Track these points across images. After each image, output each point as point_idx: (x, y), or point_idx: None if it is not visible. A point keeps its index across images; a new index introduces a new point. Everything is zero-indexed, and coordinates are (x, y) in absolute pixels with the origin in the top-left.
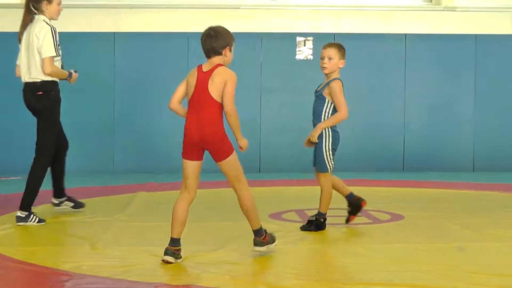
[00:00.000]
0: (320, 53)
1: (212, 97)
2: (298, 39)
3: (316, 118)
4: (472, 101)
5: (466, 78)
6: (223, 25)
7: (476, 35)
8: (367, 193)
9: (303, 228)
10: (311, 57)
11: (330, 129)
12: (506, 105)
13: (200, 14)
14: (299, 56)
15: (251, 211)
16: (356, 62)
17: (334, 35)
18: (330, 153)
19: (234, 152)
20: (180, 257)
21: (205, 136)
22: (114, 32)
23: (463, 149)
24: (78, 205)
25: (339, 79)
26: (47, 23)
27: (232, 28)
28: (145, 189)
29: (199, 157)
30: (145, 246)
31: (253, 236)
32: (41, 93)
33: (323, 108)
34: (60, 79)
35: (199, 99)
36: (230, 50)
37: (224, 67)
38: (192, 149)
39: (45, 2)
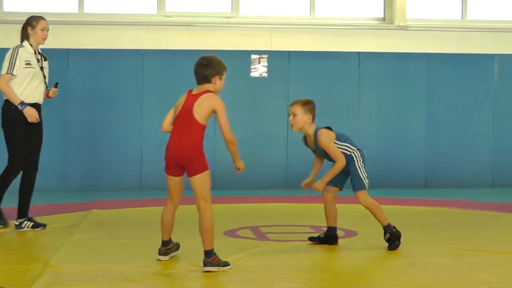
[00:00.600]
0: (273, 70)
1: (196, 119)
2: (253, 56)
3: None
4: (425, 119)
5: (418, 96)
6: (184, 44)
7: (427, 53)
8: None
9: (391, 248)
10: (265, 74)
11: (356, 149)
12: (458, 123)
13: (154, 32)
14: (254, 73)
15: (209, 231)
16: (310, 80)
17: (288, 52)
18: (364, 170)
19: (207, 172)
20: (171, 252)
21: (183, 153)
22: (68, 49)
23: (415, 166)
24: (37, 225)
25: (322, 129)
26: (16, 47)
27: (184, 46)
28: (97, 207)
29: (179, 173)
30: (98, 263)
31: (203, 256)
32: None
33: None
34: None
35: (184, 119)
36: (220, 79)
37: (212, 93)
38: (172, 165)
39: (29, 28)
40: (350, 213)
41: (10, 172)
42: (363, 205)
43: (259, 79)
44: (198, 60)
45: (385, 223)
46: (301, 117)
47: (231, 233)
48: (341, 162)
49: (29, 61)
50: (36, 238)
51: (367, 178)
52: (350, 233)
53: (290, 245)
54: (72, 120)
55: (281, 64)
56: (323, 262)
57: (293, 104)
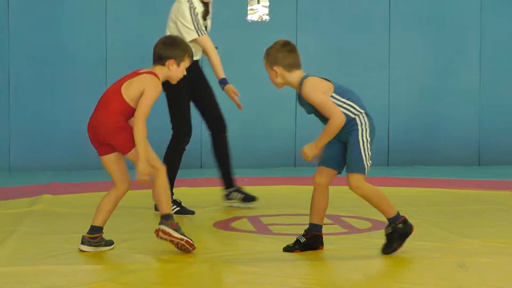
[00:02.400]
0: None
1: (123, 98)
2: None
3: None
4: (477, 73)
5: (469, 42)
6: None
7: None
8: (341, 194)
9: (385, 252)
10: (266, 17)
11: (363, 113)
12: None
13: None
14: (252, 16)
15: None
16: (324, 25)
17: None
18: (369, 146)
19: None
20: (98, 245)
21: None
22: None
23: (465, 137)
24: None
25: (310, 76)
26: None
27: None
28: (48, 191)
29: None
30: (48, 264)
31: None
32: None
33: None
34: None
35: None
36: (178, 65)
37: (153, 76)
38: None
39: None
40: None
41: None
42: (355, 192)
43: (259, 24)
44: (160, 38)
45: (391, 214)
46: (272, 74)
47: (223, 224)
48: (336, 119)
49: None
50: None
51: (371, 160)
52: (378, 225)
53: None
54: (14, 81)
55: (286, 3)
56: (343, 262)
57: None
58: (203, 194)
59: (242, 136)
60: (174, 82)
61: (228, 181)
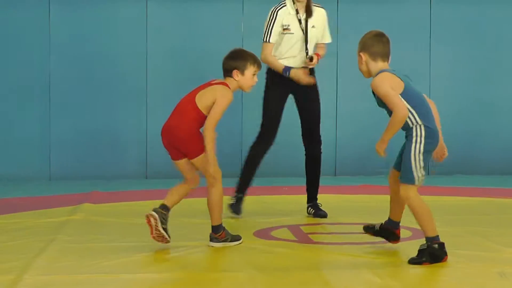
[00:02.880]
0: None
1: (197, 106)
2: None
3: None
4: None
5: (509, 52)
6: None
7: None
8: (383, 203)
9: (411, 261)
10: None
11: (422, 125)
12: None
13: None
14: None
15: (215, 207)
16: (363, 33)
17: None
18: (421, 157)
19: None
20: (163, 219)
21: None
22: None
23: (505, 146)
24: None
25: (381, 72)
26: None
27: None
28: (89, 200)
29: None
30: (87, 274)
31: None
32: None
33: None
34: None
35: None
36: (242, 74)
37: (224, 87)
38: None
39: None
40: None
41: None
42: (405, 203)
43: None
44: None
45: (431, 235)
46: (360, 59)
47: (263, 233)
48: (398, 112)
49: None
50: (10, 240)
51: (423, 171)
52: (419, 234)
53: (340, 249)
54: (56, 93)
55: (326, 9)
56: (382, 271)
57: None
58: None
59: (283, 142)
60: (246, 90)
61: (308, 195)
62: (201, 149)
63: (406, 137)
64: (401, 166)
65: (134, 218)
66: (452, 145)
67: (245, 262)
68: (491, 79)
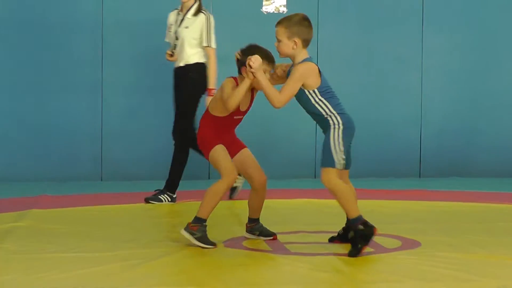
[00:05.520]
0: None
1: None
2: None
3: (309, 113)
4: None
5: (511, 40)
6: None
7: None
8: (367, 208)
9: (350, 254)
10: (284, 9)
11: (336, 114)
12: None
13: None
14: (267, 7)
15: (206, 199)
16: (349, 20)
17: None
18: (340, 142)
19: (212, 150)
20: (255, 231)
21: None
22: None
23: (506, 146)
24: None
25: (307, 61)
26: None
27: None
28: (37, 205)
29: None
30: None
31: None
32: None
33: (308, 98)
34: None
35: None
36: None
37: (227, 79)
38: None
39: None
40: (406, 213)
41: None
42: (325, 186)
43: (276, 16)
44: None
45: (353, 215)
46: (286, 42)
47: (235, 242)
48: (276, 102)
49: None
50: None
51: (343, 155)
52: (409, 244)
53: (319, 260)
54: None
55: None
56: (372, 286)
57: (276, 24)
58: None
59: (258, 143)
60: (258, 88)
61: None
62: (208, 149)
63: (323, 129)
64: (322, 152)
65: (87, 225)
66: (446, 144)
67: (211, 276)
68: (490, 71)
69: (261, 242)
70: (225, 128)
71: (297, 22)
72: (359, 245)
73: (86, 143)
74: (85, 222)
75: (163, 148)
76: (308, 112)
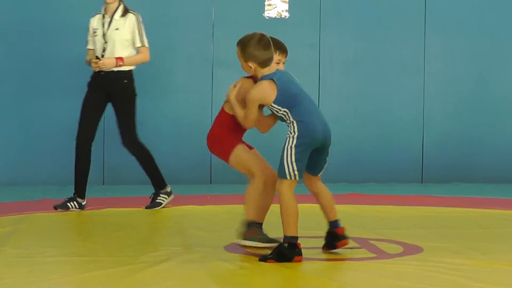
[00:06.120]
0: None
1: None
2: None
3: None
4: None
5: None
6: None
7: None
8: (368, 213)
9: (260, 259)
10: (286, 14)
11: (295, 122)
12: None
13: None
14: (269, 12)
15: (247, 202)
16: (351, 24)
17: None
18: (293, 152)
19: (234, 150)
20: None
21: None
22: None
23: (509, 151)
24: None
25: (260, 81)
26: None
27: None
28: (39, 209)
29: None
30: None
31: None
32: None
33: (271, 111)
34: None
35: None
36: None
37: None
38: None
39: None
40: (408, 219)
41: None
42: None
43: (277, 21)
44: None
45: (288, 233)
46: (243, 64)
47: (236, 247)
48: (245, 124)
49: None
50: None
51: (296, 166)
52: (411, 249)
53: (321, 266)
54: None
55: None
56: None
57: (237, 44)
58: (212, 213)
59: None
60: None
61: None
62: (228, 150)
63: None
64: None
65: (89, 229)
66: (448, 150)
67: (212, 281)
68: (492, 75)
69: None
70: (240, 127)
71: (251, 46)
72: (270, 256)
73: None
74: (86, 226)
75: (165, 153)
76: None
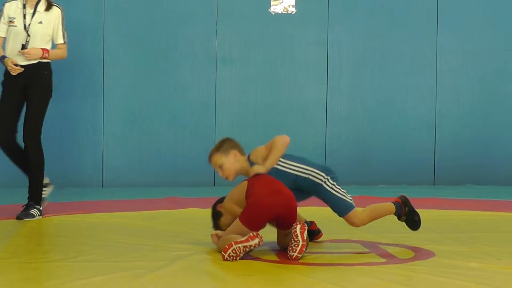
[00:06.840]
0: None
1: None
2: None
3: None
4: None
5: None
6: None
7: None
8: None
9: (414, 228)
10: (293, 9)
11: (313, 170)
12: None
13: None
14: (276, 8)
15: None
16: (361, 20)
17: None
18: (339, 187)
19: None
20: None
21: None
22: None
23: None
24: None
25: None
26: None
27: None
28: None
29: None
30: None
31: None
32: None
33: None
34: None
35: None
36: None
37: None
38: None
39: None
40: (423, 223)
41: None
42: (359, 226)
43: (283, 17)
44: None
45: (392, 211)
46: (230, 162)
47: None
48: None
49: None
50: None
51: (348, 194)
52: (422, 254)
53: (329, 271)
54: None
55: None
56: None
57: (210, 157)
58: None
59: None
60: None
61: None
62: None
63: (310, 187)
64: (334, 207)
65: (88, 232)
66: (461, 150)
67: (216, 286)
68: (506, 74)
69: (269, 250)
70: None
71: (225, 143)
72: (416, 218)
73: (87, 149)
74: (85, 229)
75: (166, 155)
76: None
